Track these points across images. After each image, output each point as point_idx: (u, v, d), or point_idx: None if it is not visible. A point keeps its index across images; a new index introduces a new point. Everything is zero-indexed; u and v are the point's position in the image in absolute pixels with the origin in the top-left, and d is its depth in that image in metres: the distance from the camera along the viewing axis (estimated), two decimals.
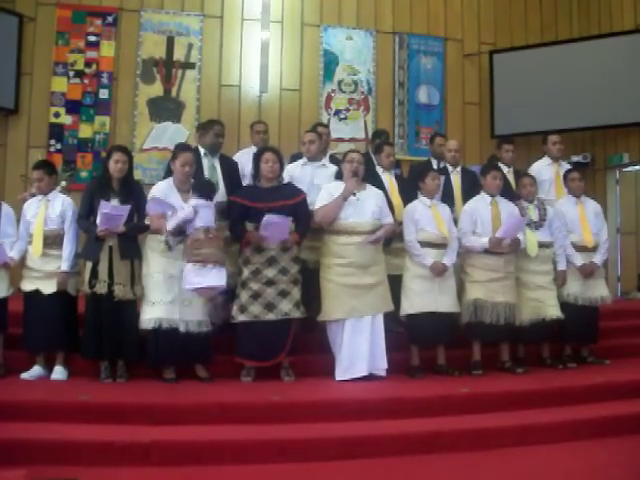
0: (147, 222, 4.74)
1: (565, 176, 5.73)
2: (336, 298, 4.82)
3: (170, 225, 4.56)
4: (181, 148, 4.97)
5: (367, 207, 4.91)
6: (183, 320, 4.63)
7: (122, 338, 4.64)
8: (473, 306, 5.10)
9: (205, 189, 4.75)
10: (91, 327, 4.65)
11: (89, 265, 4.67)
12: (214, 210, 4.71)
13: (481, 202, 5.29)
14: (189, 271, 4.50)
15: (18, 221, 4.96)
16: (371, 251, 4.89)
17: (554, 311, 5.23)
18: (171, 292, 4.65)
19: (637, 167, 8.89)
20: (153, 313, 4.63)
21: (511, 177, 6.06)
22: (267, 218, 4.62)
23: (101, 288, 4.60)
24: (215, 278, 4.51)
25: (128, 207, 4.64)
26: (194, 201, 4.62)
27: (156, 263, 4.69)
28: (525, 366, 5.19)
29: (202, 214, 4.58)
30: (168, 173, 5.07)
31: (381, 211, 4.96)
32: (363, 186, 4.98)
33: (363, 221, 4.88)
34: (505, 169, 5.98)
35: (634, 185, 9.11)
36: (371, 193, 5.00)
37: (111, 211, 4.55)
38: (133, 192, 4.82)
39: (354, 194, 4.84)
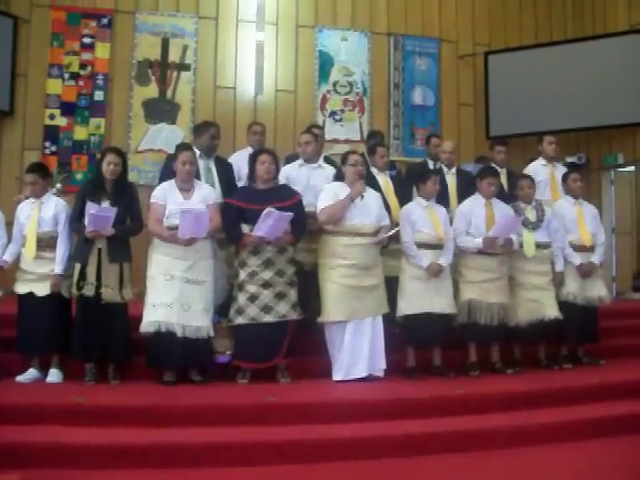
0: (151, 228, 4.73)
1: (565, 177, 5.75)
2: (339, 299, 4.80)
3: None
4: (182, 147, 4.97)
5: (372, 209, 4.92)
6: (181, 324, 4.58)
7: (110, 340, 4.61)
8: (467, 307, 5.10)
9: None
10: (79, 328, 4.64)
11: (78, 267, 4.66)
12: None
13: (475, 203, 5.30)
14: None
15: (9, 223, 4.96)
16: (373, 253, 4.91)
17: (552, 311, 5.23)
18: (171, 294, 4.61)
19: (632, 167, 8.91)
20: (153, 316, 4.60)
21: (504, 178, 6.08)
22: (268, 210, 4.58)
23: (89, 290, 4.58)
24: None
25: (115, 209, 4.60)
26: None
27: (159, 264, 4.68)
28: (520, 367, 5.19)
29: None
30: (164, 176, 5.06)
31: (381, 213, 4.98)
32: (365, 188, 4.98)
33: (368, 222, 4.88)
34: (498, 170, 5.97)
35: (629, 185, 9.12)
36: (372, 195, 5.01)
37: (97, 212, 4.53)
38: (126, 194, 4.80)
39: (362, 196, 4.86)
